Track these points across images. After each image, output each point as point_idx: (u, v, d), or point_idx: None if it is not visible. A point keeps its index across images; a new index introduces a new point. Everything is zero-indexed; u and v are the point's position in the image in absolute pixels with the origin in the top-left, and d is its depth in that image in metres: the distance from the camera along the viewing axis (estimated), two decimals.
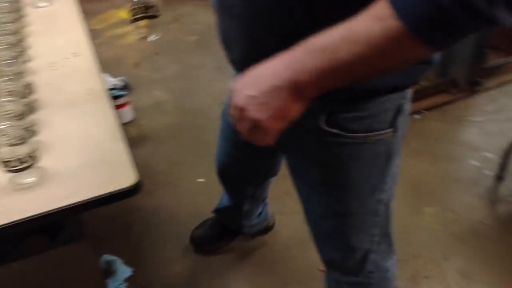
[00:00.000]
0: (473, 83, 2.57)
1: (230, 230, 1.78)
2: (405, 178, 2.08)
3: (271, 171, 1.41)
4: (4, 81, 1.04)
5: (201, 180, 2.10)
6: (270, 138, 0.71)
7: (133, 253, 1.81)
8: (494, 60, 2.53)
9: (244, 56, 0.84)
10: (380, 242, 1.05)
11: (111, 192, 0.88)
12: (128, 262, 1.75)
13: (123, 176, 0.92)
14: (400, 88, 0.82)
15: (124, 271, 1.71)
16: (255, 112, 0.67)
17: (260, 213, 1.68)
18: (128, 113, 2.45)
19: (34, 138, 0.96)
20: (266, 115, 0.67)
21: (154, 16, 1.22)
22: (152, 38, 1.26)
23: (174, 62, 3.13)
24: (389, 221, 1.05)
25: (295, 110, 0.67)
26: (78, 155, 0.99)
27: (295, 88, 0.64)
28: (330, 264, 1.15)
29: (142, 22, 1.21)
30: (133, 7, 1.20)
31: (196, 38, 3.44)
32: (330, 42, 0.60)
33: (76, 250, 1.53)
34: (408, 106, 0.87)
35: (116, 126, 1.07)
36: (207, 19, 3.65)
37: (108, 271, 1.69)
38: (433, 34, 0.54)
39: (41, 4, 1.69)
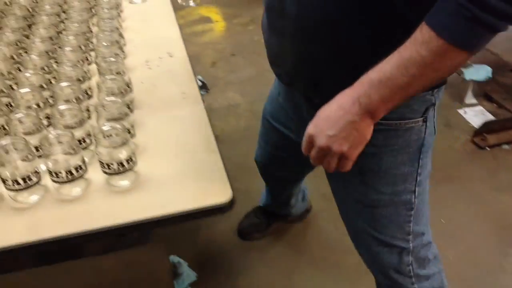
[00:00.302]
0: None
1: (277, 215, 1.85)
2: (491, 214, 1.93)
3: (311, 167, 1.43)
4: (105, 80, 1.03)
5: None
6: (352, 163, 0.81)
7: (198, 257, 1.78)
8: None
9: (295, 70, 0.94)
10: (416, 245, 1.06)
11: (207, 207, 0.85)
12: (192, 266, 1.73)
13: (219, 190, 0.88)
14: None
15: (189, 275, 1.69)
16: (339, 147, 0.78)
17: (303, 198, 1.81)
18: None
19: (132, 140, 0.94)
20: (348, 146, 0.78)
21: None
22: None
23: (250, 64, 3.11)
24: (423, 220, 1.06)
25: (370, 132, 0.78)
26: (172, 162, 0.96)
27: (367, 117, 0.75)
28: (369, 266, 1.17)
29: None
30: None
31: None
32: (386, 73, 0.71)
33: (144, 251, 1.52)
34: (438, 102, 0.94)
35: (211, 135, 1.03)
36: None
37: (175, 273, 1.68)
38: (471, 41, 0.66)
39: (136, 0, 1.70)
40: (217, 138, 2.51)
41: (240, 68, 3.08)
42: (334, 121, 0.77)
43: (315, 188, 1.91)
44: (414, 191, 1.00)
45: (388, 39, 0.73)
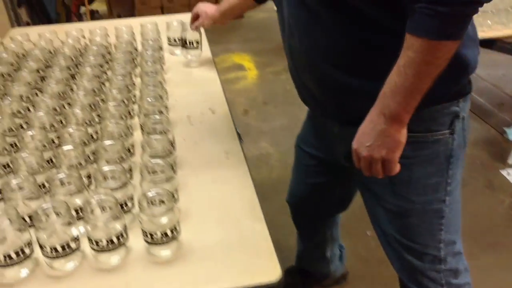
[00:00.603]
0: None
1: (312, 276, 1.73)
2: None
3: (346, 199, 1.44)
4: (150, 140, 1.00)
5: None
6: (397, 167, 0.92)
7: None
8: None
9: (320, 90, 1.04)
10: (447, 253, 1.09)
11: (254, 286, 0.78)
12: None
13: (266, 267, 0.81)
14: (450, 97, 0.97)
15: None
16: (378, 154, 0.90)
17: (341, 256, 1.70)
18: None
19: (176, 206, 0.89)
20: (386, 151, 0.90)
21: None
22: None
23: (282, 114, 3.08)
24: (455, 229, 1.09)
25: (403, 135, 0.89)
26: (216, 229, 0.90)
27: (394, 123, 0.87)
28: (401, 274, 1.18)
29: None
30: None
31: None
32: (392, 82, 0.84)
33: None
34: (465, 115, 1.01)
35: (255, 200, 0.98)
36: None
37: None
38: (445, 31, 0.77)
39: (177, 52, 1.70)
40: None
41: (272, 117, 3.05)
42: (368, 133, 0.90)
43: (352, 249, 1.82)
44: (445, 201, 1.05)
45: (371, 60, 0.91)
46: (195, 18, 1.56)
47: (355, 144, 0.94)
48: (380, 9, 0.86)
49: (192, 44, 1.59)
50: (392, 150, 0.90)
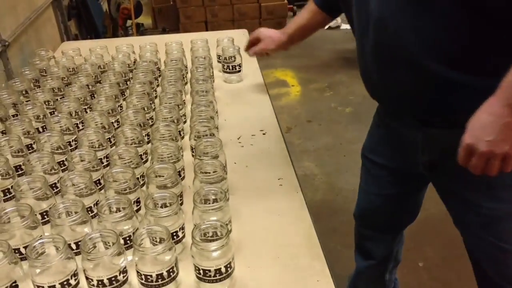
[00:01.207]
0: None
1: None
2: None
3: (417, 209, 1.36)
4: (202, 164, 0.94)
5: None
6: None
7: None
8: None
9: (414, 87, 0.98)
10: None
11: None
12: None
13: None
14: None
15: None
16: (501, 149, 0.84)
17: (394, 285, 1.58)
18: None
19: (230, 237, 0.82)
20: (509, 146, 0.84)
21: None
22: None
23: (326, 132, 3.00)
24: None
25: None
26: (271, 266, 0.83)
27: None
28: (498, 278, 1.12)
29: None
30: None
31: (351, 109, 3.29)
32: None
33: None
34: None
35: (314, 236, 0.90)
36: (363, 91, 3.48)
37: None
38: None
39: (233, 80, 1.63)
40: None
41: (316, 135, 2.97)
42: (490, 127, 0.84)
43: (403, 280, 1.71)
44: None
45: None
46: (254, 43, 1.47)
47: (469, 139, 0.87)
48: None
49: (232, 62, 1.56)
50: None
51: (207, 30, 4.60)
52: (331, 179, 2.53)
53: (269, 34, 1.43)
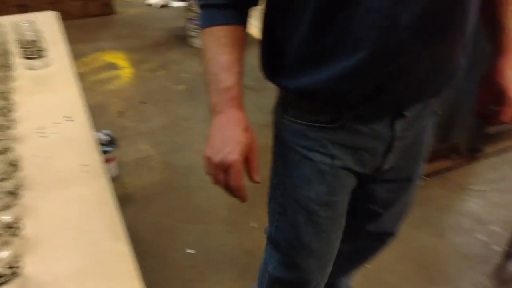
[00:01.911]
0: (474, 149, 2.50)
1: None
2: (410, 253, 1.95)
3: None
4: None
5: (191, 251, 1.90)
6: None
7: None
8: (495, 126, 2.48)
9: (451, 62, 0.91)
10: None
11: None
12: None
13: None
14: None
15: None
16: None
17: None
18: (112, 170, 2.26)
19: (17, 238, 0.78)
20: None
21: None
22: None
23: (161, 112, 2.98)
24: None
25: None
26: (70, 257, 0.80)
27: None
28: None
29: None
30: None
31: (185, 87, 3.31)
32: None
33: None
34: None
35: (117, 218, 0.90)
36: (195, 67, 3.54)
37: None
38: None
39: (36, 67, 1.50)
40: (128, 195, 2.35)
41: (150, 116, 2.93)
42: None
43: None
44: None
45: None
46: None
47: None
48: None
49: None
50: None
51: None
52: (168, 158, 2.53)
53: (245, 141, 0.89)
